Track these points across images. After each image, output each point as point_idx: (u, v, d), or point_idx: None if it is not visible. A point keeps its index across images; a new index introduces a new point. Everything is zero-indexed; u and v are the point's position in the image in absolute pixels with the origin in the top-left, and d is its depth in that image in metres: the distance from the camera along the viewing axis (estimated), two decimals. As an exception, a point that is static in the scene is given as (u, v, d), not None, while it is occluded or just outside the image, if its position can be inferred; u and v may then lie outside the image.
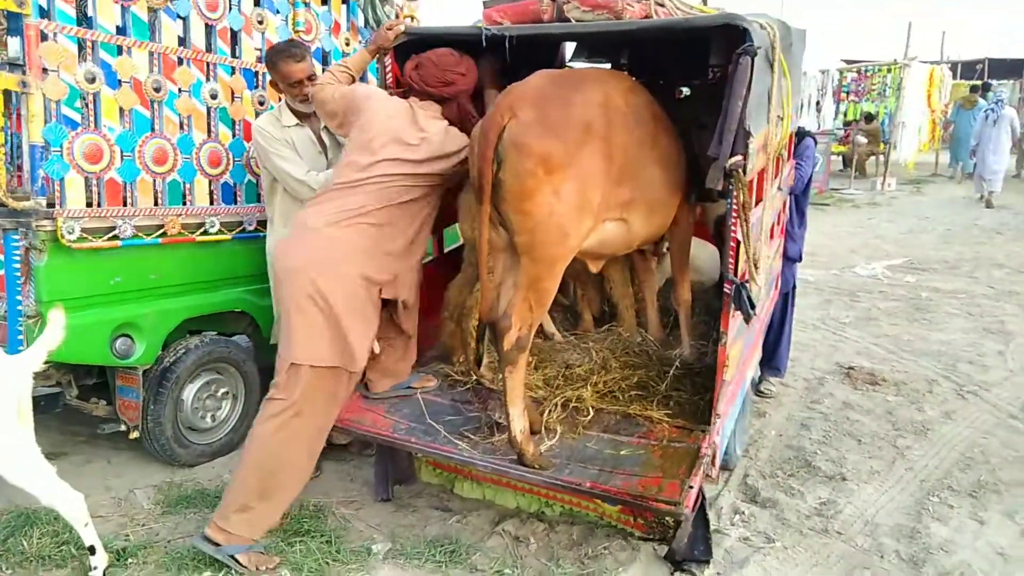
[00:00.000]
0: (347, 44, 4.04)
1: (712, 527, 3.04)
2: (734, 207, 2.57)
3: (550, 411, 2.95)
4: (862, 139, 14.05)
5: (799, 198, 4.43)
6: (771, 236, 3.75)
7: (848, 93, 15.89)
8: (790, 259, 4.45)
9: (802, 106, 14.30)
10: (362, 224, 2.71)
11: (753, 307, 2.69)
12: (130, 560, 2.72)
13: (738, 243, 2.62)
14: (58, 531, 2.83)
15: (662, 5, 3.10)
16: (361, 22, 4.10)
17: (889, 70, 14.75)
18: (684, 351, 3.40)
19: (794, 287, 4.63)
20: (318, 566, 2.70)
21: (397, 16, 4.32)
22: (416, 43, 3.11)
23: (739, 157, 2.49)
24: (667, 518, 2.77)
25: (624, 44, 4.16)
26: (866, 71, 15.24)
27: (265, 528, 2.72)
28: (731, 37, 2.67)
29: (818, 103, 14.79)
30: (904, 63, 14.02)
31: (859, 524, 3.18)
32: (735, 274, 2.64)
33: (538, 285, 2.60)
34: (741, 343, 3.04)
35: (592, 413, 2.97)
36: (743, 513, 3.23)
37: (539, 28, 3.01)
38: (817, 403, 4.52)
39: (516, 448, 2.62)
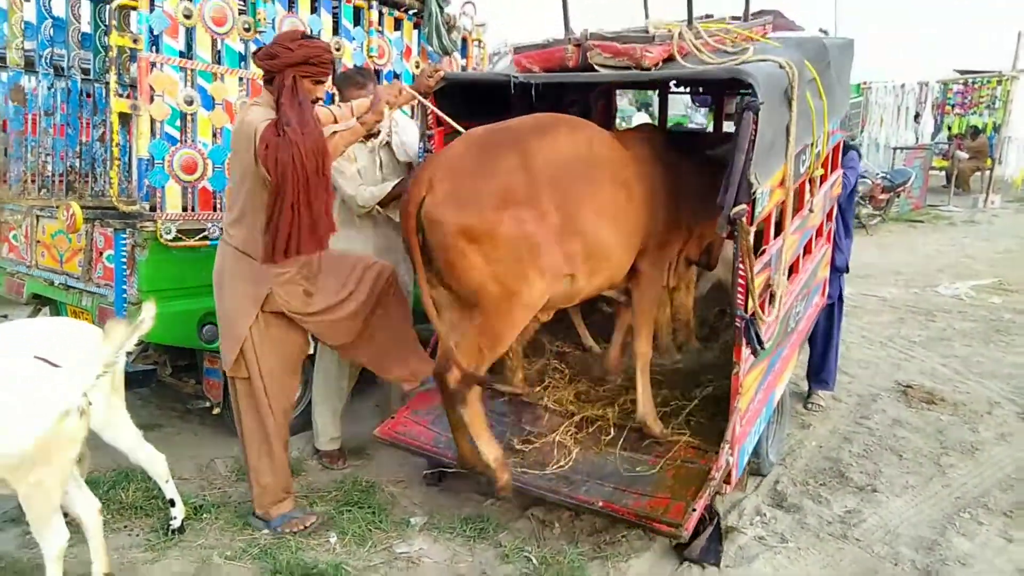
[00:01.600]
0: (416, 67, 4.42)
1: (730, 525, 3.22)
2: (741, 251, 2.71)
3: (576, 428, 3.18)
4: (963, 154, 13.44)
5: (843, 209, 4.46)
6: (807, 251, 3.84)
7: (953, 106, 15.25)
8: (836, 269, 4.49)
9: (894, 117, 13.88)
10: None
11: (761, 343, 2.80)
12: (205, 516, 3.15)
13: (747, 282, 2.75)
14: (149, 487, 3.30)
15: (683, 40, 3.22)
16: (433, 46, 4.47)
17: (998, 82, 14.07)
18: (640, 413, 3.19)
19: (841, 298, 4.66)
20: (362, 532, 3.05)
21: (464, 40, 4.69)
22: (452, 86, 3.31)
23: (743, 206, 2.59)
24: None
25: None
26: (973, 83, 14.59)
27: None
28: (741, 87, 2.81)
29: (917, 115, 14.25)
30: (1013, 75, 13.34)
31: (880, 533, 3.26)
32: (745, 310, 2.77)
33: (491, 332, 2.68)
34: (765, 364, 3.18)
35: (614, 432, 3.19)
36: (764, 515, 3.36)
37: (563, 77, 3.17)
38: (866, 419, 4.54)
39: (491, 476, 2.78)
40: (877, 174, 11.15)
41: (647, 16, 3.88)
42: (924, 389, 4.98)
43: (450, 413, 2.88)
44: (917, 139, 14.02)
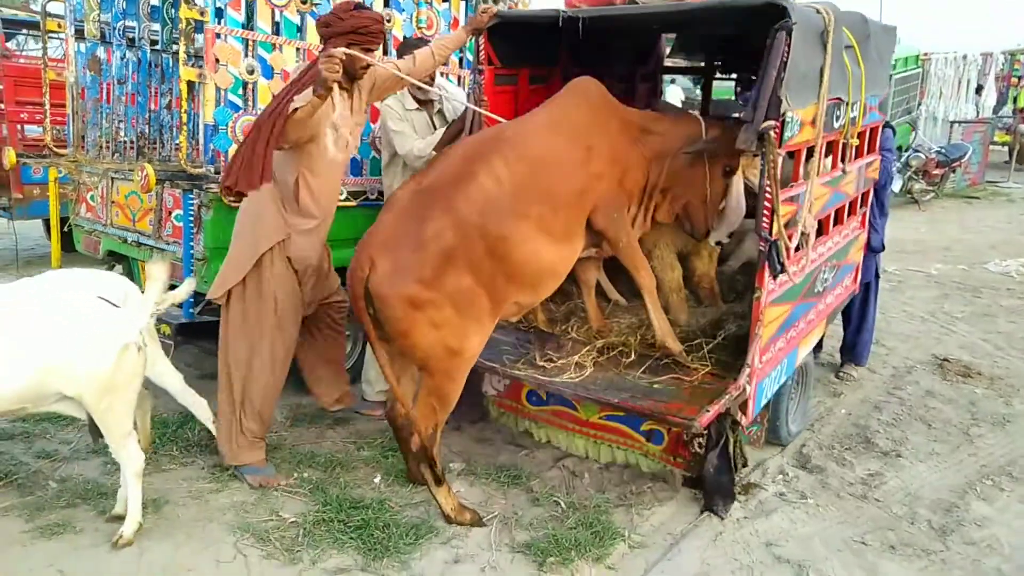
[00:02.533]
0: (465, 38, 4.57)
1: (752, 482, 3.37)
2: (768, 171, 2.83)
3: (597, 353, 3.33)
4: (1025, 128, 13.00)
5: (879, 189, 4.51)
6: (839, 220, 3.93)
7: (1020, 78, 14.69)
8: (872, 249, 4.55)
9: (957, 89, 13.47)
10: None
11: (783, 266, 2.94)
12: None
13: (772, 203, 2.87)
14: (206, 432, 3.60)
15: None
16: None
17: (1069, 53, 13.51)
18: (658, 336, 3.30)
19: (877, 276, 4.71)
20: (404, 474, 3.29)
21: (510, 8, 4.82)
22: (504, 24, 3.55)
23: (772, 122, 2.73)
24: (698, 451, 3.15)
25: (703, 38, 4.42)
26: (1042, 54, 14.02)
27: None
28: (776, 16, 2.90)
29: (979, 88, 13.78)
30: (1084, 46, 12.79)
31: (900, 495, 3.37)
32: (769, 232, 2.89)
33: (441, 392, 2.83)
34: (788, 308, 3.31)
35: (635, 356, 3.34)
36: (787, 475, 3.50)
37: (608, 10, 3.38)
38: (899, 389, 4.61)
39: (455, 522, 2.90)
40: (931, 148, 10.89)
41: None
42: (962, 363, 5.01)
43: (403, 445, 3.10)
44: (978, 112, 13.57)
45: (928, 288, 6.99)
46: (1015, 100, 14.45)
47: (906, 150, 11.21)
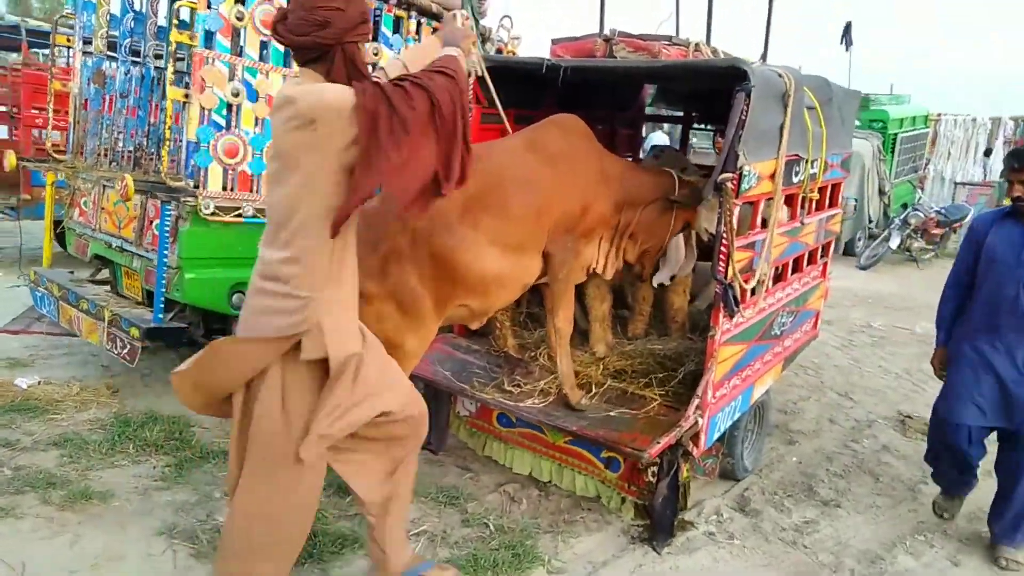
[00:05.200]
0: (451, 74, 4.79)
1: (687, 519, 3.45)
2: (724, 219, 2.98)
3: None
4: (1033, 194, 13.03)
5: None
6: (799, 269, 4.07)
7: (1033, 143, 14.78)
8: None
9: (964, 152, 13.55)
10: None
11: (737, 304, 3.09)
12: (214, 459, 3.56)
13: (728, 249, 3.02)
14: (172, 430, 3.76)
15: (699, 52, 3.62)
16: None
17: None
18: (561, 380, 3.39)
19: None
20: (344, 488, 3.40)
21: (500, 52, 5.03)
22: (493, 70, 3.73)
23: (729, 175, 2.92)
24: (651, 480, 3.25)
25: (682, 92, 4.62)
26: (1053, 121, 14.10)
27: None
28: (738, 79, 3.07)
29: (988, 151, 13.87)
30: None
31: (830, 543, 3.43)
32: (725, 276, 3.04)
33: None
34: (743, 348, 3.43)
35: (595, 389, 3.50)
36: (721, 515, 3.57)
37: (587, 62, 3.58)
38: (855, 442, 4.67)
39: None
40: (931, 208, 10.97)
41: (677, 31, 4.27)
42: (924, 421, 5.04)
43: None
44: (986, 175, 13.64)
45: (909, 345, 7.04)
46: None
47: (906, 208, 11.30)
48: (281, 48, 3.94)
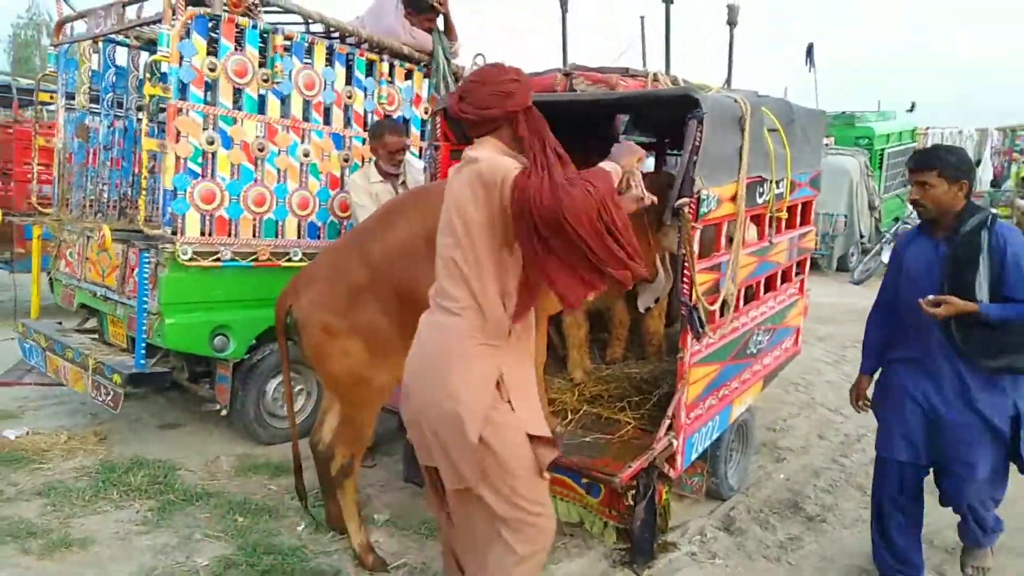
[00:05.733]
0: (425, 112, 4.90)
1: (669, 541, 3.45)
2: (684, 242, 3.02)
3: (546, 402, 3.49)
4: (1023, 202, 13.09)
5: None
6: (772, 287, 4.11)
7: (1022, 153, 14.88)
8: None
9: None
10: None
11: (703, 326, 3.12)
12: (198, 502, 3.59)
13: (690, 273, 3.06)
14: (156, 475, 3.79)
15: (657, 81, 3.70)
16: (441, 94, 4.94)
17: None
18: None
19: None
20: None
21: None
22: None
23: (686, 199, 2.98)
24: (632, 504, 3.23)
25: (654, 120, 4.71)
26: (1040, 130, 14.21)
27: None
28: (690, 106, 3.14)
29: (977, 161, 13.96)
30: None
31: (814, 559, 3.42)
32: (689, 298, 3.08)
33: (353, 421, 3.08)
34: (716, 368, 3.45)
35: (571, 416, 3.53)
36: (705, 535, 3.57)
37: (548, 96, 3.65)
38: (844, 457, 4.66)
39: (359, 559, 3.08)
40: (907, 220, 11.05)
41: (644, 62, 4.38)
42: (913, 433, 5.04)
43: (324, 483, 3.32)
44: (973, 187, 13.69)
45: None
46: (1018, 174, 14.59)
47: (898, 221, 11.36)
48: (256, 98, 4.05)
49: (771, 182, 3.72)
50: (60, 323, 4.86)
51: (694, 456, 3.42)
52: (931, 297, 2.79)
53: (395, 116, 4.77)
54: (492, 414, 2.18)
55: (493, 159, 2.21)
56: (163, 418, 4.73)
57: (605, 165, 2.24)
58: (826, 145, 13.06)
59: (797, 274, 4.51)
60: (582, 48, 4.78)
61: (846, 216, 11.70)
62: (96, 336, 4.66)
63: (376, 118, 4.60)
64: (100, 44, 4.73)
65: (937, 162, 2.85)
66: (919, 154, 3.00)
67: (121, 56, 4.93)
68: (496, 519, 2.24)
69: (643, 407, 3.52)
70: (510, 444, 2.20)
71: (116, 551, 3.08)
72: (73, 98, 4.84)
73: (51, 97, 4.85)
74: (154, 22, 3.96)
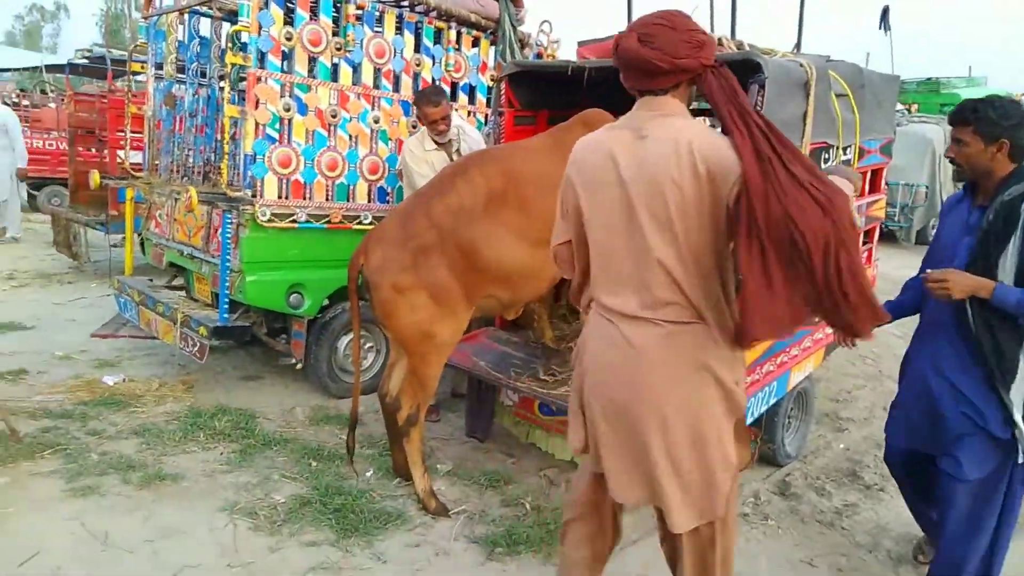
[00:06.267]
0: (492, 80, 4.99)
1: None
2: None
3: None
4: None
5: None
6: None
7: None
8: None
9: None
10: None
11: None
12: (276, 447, 3.85)
13: None
14: (239, 421, 4.08)
15: (722, 46, 3.69)
16: (507, 62, 5.02)
17: None
18: None
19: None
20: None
21: (540, 56, 5.20)
22: (526, 74, 3.94)
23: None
24: None
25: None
26: None
27: None
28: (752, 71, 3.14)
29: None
30: None
31: (869, 525, 3.45)
32: None
33: (418, 373, 3.24)
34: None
35: None
36: (759, 498, 3.63)
37: (607, 61, 3.70)
38: (909, 429, 4.60)
39: (423, 503, 3.28)
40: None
41: (712, 27, 4.36)
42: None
43: (391, 432, 3.51)
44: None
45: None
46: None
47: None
48: (329, 66, 4.21)
49: (837, 148, 3.68)
50: (151, 280, 5.21)
51: (749, 420, 3.47)
52: (932, 272, 2.44)
53: (462, 83, 4.88)
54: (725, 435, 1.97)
55: (705, 133, 1.85)
56: (244, 370, 5.05)
57: (836, 180, 1.84)
58: (908, 112, 12.50)
59: (865, 243, 4.44)
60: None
61: (927, 187, 11.23)
62: (183, 292, 4.99)
63: (444, 86, 4.71)
64: (186, 16, 4.97)
65: (971, 116, 2.46)
66: (956, 107, 2.57)
67: (204, 27, 5.18)
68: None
69: None
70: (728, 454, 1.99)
71: (203, 486, 3.36)
72: (161, 68, 5.12)
73: (142, 67, 5.13)
74: (236, -6, 4.15)
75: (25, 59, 17.97)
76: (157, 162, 5.20)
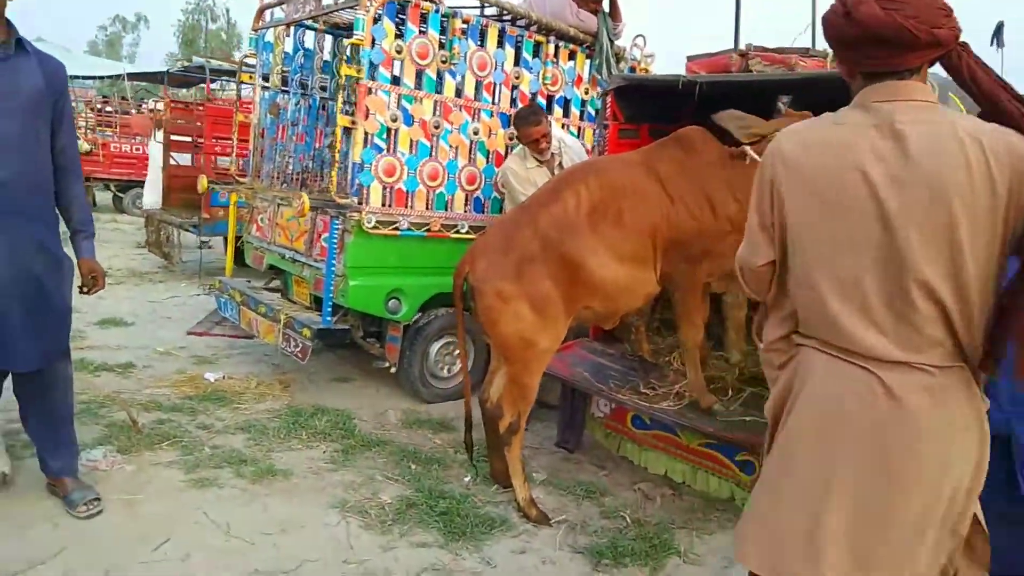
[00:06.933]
0: (586, 93, 5.04)
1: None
2: None
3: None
4: None
5: None
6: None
7: None
8: None
9: None
10: None
11: None
12: (375, 448, 3.95)
13: None
14: (337, 421, 4.19)
15: (809, 58, 3.67)
16: (603, 75, 5.06)
17: None
18: (691, 389, 3.53)
19: None
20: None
21: (634, 70, 5.23)
22: (631, 88, 3.97)
23: None
24: None
25: (818, 99, 4.60)
26: None
27: None
28: None
29: None
30: None
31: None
32: None
33: (519, 381, 3.27)
34: None
35: (731, 394, 3.63)
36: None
37: (722, 77, 3.70)
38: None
39: (523, 511, 3.29)
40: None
41: (813, 42, 4.33)
42: None
43: (491, 439, 3.55)
44: None
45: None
46: None
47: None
48: (435, 78, 4.32)
49: None
50: (249, 281, 5.41)
51: None
52: None
53: (557, 96, 4.94)
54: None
55: (984, 124, 1.49)
56: (335, 372, 5.19)
57: None
58: None
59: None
60: (751, 31, 4.76)
61: None
62: (280, 295, 5.16)
63: (541, 99, 4.78)
64: (292, 29, 5.17)
65: None
66: None
67: (308, 40, 5.37)
68: None
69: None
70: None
71: (312, 483, 3.47)
72: (268, 79, 5.32)
73: (250, 77, 5.35)
74: (349, 7, 4.30)
75: (109, 67, 18.85)
76: (259, 168, 5.39)
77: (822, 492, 1.58)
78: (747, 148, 3.16)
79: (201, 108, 7.73)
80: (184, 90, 13.41)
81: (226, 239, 8.37)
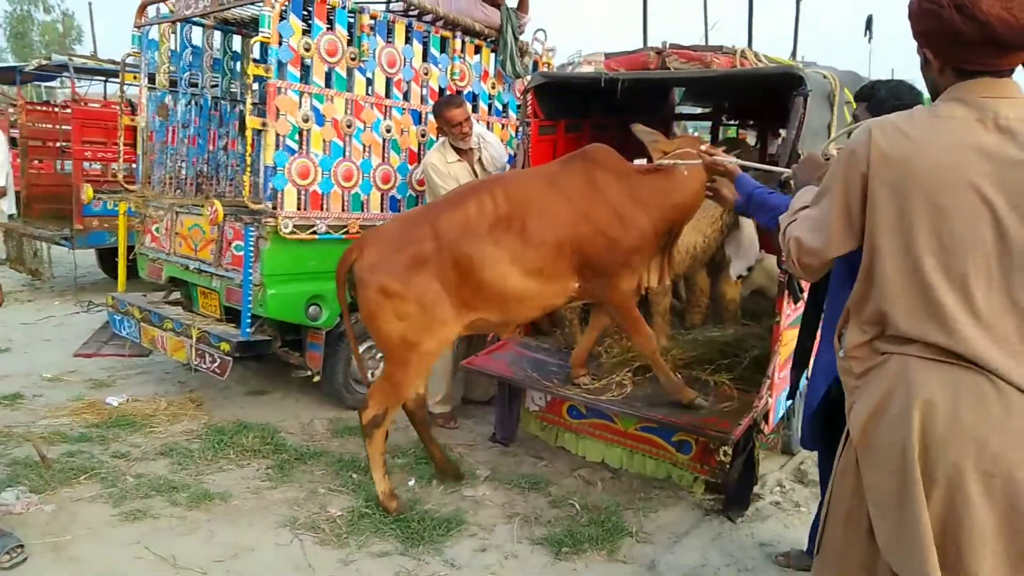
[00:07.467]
0: (492, 88, 5.07)
1: (754, 493, 3.70)
2: None
3: (633, 374, 3.71)
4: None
5: None
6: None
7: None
8: None
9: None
10: None
11: (801, 290, 3.31)
12: (309, 461, 3.82)
13: None
14: (264, 436, 4.02)
15: (746, 58, 3.87)
16: (507, 70, 5.10)
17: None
18: (668, 390, 3.47)
19: None
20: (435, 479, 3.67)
21: (536, 64, 5.30)
22: (549, 85, 4.02)
23: (789, 171, 3.16)
24: (723, 460, 3.41)
25: (715, 92, 4.87)
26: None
27: None
28: (794, 83, 3.31)
29: None
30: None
31: (888, 506, 3.68)
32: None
33: (392, 378, 3.21)
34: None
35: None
36: (783, 487, 3.83)
37: (643, 74, 3.83)
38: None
39: (383, 504, 3.23)
40: None
41: (707, 38, 4.55)
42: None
43: (422, 435, 3.63)
44: None
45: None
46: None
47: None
48: (344, 76, 4.21)
49: None
50: (144, 295, 5.06)
51: (782, 412, 3.66)
52: None
53: (465, 91, 4.94)
54: None
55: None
56: (249, 385, 4.96)
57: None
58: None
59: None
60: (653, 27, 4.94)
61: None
62: (182, 308, 4.86)
63: (449, 93, 4.76)
64: (178, 25, 4.86)
65: (868, 93, 2.75)
66: (862, 86, 2.91)
67: (196, 35, 5.07)
68: None
69: (734, 369, 3.72)
70: None
71: (254, 503, 3.32)
72: (154, 79, 4.98)
73: (134, 77, 4.97)
74: (250, 2, 4.10)
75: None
76: (150, 174, 5.04)
77: (976, 501, 1.49)
78: (674, 160, 3.27)
79: (66, 110, 7.09)
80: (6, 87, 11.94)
81: (100, 251, 7.81)
